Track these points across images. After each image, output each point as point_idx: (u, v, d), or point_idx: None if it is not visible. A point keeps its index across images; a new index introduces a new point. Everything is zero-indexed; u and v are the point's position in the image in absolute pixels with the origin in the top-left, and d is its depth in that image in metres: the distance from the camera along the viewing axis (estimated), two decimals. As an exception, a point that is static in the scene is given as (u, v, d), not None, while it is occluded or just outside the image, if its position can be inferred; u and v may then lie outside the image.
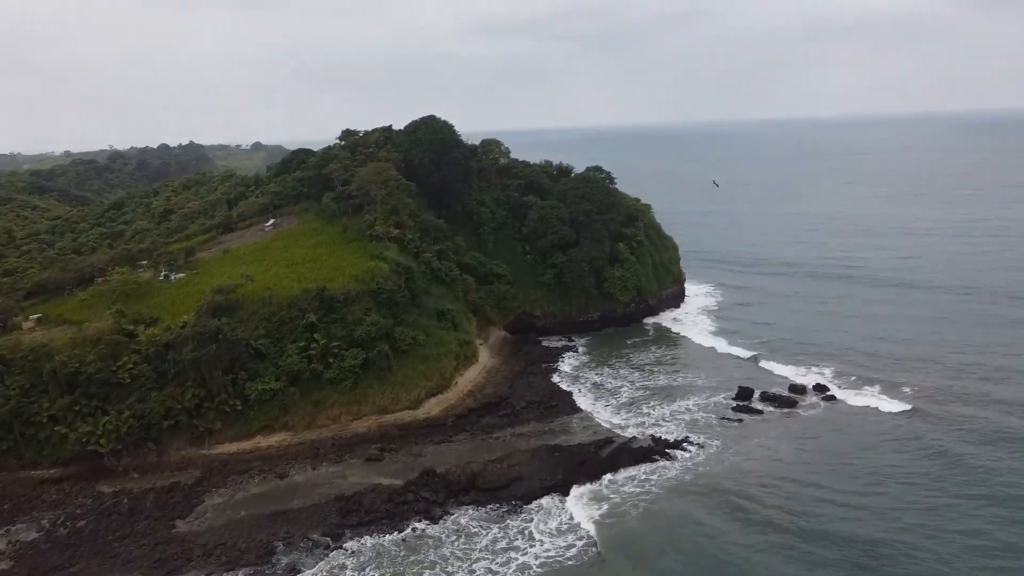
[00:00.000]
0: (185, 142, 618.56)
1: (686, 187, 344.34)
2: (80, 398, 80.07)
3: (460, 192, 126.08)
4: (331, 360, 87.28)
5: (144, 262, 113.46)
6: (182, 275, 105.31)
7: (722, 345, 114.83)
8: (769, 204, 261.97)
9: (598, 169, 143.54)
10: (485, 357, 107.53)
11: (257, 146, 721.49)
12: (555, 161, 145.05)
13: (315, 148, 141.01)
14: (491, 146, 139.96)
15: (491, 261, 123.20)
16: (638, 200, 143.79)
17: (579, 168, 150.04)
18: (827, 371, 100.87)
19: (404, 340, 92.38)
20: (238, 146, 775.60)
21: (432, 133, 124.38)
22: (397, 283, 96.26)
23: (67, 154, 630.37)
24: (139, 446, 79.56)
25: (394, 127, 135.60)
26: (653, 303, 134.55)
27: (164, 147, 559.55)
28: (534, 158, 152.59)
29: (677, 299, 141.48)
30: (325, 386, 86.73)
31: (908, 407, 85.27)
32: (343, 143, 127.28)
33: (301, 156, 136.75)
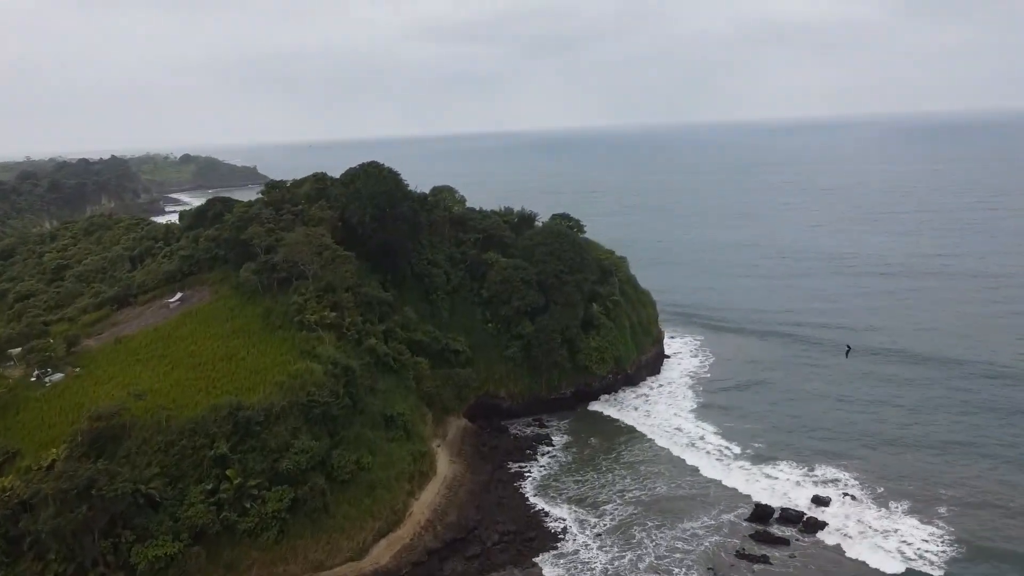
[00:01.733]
0: (107, 156, 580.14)
1: (632, 205, 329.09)
2: None
3: (408, 253, 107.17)
4: (248, 505, 67.35)
5: (16, 351, 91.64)
6: (61, 376, 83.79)
7: (714, 433, 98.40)
8: (720, 229, 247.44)
9: (566, 217, 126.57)
10: (444, 464, 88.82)
11: (186, 158, 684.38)
12: (515, 211, 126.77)
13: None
14: (443, 194, 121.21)
15: (447, 335, 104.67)
16: (612, 252, 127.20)
17: (542, 212, 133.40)
18: (845, 475, 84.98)
19: (344, 467, 73.03)
20: (167, 157, 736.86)
21: (374, 184, 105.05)
22: (334, 389, 76.85)
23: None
24: (-22, 652, 58.50)
25: (329, 173, 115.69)
26: (632, 371, 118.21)
27: (83, 163, 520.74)
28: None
29: (656, 363, 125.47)
30: (241, 541, 66.65)
31: (965, 556, 69.14)
32: (266, 198, 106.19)
33: (218, 207, 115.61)
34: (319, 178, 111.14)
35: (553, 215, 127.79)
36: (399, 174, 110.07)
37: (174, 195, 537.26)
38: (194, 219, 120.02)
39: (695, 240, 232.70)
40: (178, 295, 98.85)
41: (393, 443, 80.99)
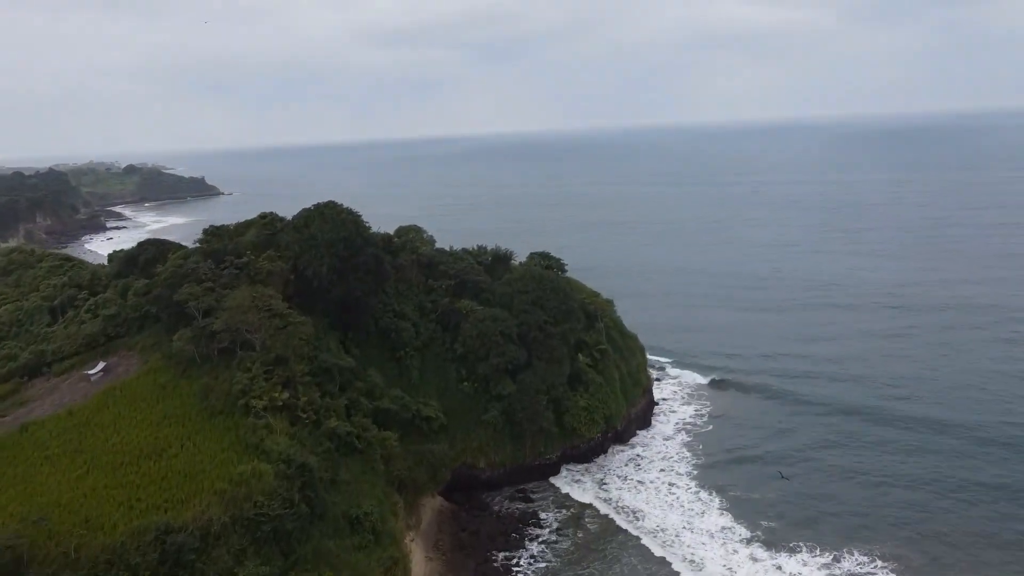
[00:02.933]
0: (44, 168, 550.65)
1: (589, 221, 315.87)
2: None
3: (372, 307, 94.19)
4: (180, 661, 53.96)
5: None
6: (-50, 478, 68.78)
7: (719, 509, 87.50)
8: (687, 251, 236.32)
9: (545, 256, 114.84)
10: (419, 562, 76.10)
11: (131, 169, 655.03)
12: (489, 249, 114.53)
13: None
14: (410, 234, 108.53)
15: (417, 399, 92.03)
16: (598, 295, 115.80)
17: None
18: (878, 566, 74.52)
19: (301, 596, 59.99)
20: (109, 167, 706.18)
21: (332, 229, 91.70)
22: (288, 496, 63.59)
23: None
24: None
25: (278, 213, 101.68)
26: (622, 427, 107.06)
27: (18, 176, 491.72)
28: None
29: (647, 414, 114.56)
30: None
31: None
32: (204, 248, 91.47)
33: (150, 251, 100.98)
34: (267, 222, 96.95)
35: (531, 254, 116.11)
36: (359, 215, 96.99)
37: (117, 208, 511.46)
38: (123, 264, 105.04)
39: (662, 264, 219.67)
40: (100, 365, 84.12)
41: (360, 552, 67.94)
